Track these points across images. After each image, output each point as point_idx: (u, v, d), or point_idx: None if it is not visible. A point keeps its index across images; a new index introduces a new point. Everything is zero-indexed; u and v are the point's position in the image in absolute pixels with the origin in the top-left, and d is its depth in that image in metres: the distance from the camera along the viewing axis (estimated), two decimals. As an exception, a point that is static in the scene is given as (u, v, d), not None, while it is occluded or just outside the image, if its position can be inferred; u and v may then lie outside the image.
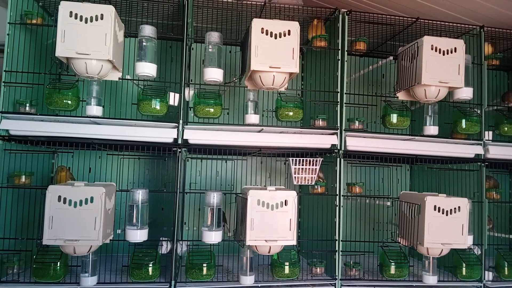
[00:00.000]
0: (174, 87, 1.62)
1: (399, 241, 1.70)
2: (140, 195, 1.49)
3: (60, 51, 1.31)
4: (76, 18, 1.32)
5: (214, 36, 1.56)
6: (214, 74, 1.54)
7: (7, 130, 1.46)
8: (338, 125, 1.67)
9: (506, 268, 1.74)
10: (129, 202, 1.49)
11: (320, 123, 1.71)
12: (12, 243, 1.52)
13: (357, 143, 1.66)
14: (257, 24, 1.44)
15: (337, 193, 1.66)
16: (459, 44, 1.56)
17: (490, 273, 1.72)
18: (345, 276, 1.67)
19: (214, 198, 1.52)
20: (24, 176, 1.54)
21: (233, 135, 1.59)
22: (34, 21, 1.56)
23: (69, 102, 1.50)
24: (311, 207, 1.93)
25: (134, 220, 1.47)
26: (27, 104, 1.51)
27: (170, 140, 1.56)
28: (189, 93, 1.60)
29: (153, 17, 1.79)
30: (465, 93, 1.68)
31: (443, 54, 1.55)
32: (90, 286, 1.43)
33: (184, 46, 1.59)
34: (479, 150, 1.76)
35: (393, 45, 2.02)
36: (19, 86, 1.52)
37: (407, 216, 1.63)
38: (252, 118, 1.62)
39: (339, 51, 1.69)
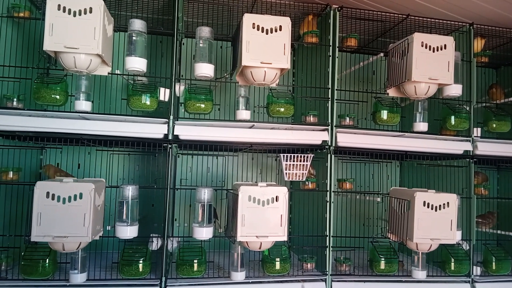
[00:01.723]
0: (164, 82, 1.60)
1: (389, 236, 1.71)
2: (130, 191, 1.48)
3: (48, 45, 1.29)
4: (64, 11, 1.30)
5: (205, 31, 1.55)
6: (205, 70, 1.53)
7: (-6, 125, 1.44)
8: (329, 121, 1.67)
9: (494, 263, 1.77)
10: (119, 198, 1.47)
11: (311, 119, 1.71)
12: (0, 240, 1.49)
13: (347, 139, 1.66)
14: (248, 19, 1.43)
15: (328, 189, 1.66)
16: (449, 41, 1.57)
17: (478, 268, 1.74)
18: (336, 271, 1.68)
19: (205, 194, 1.52)
20: (11, 172, 1.52)
21: (224, 131, 1.58)
22: (21, 14, 1.53)
23: (58, 97, 1.48)
24: (302, 203, 1.94)
25: (124, 217, 1.46)
26: (15, 99, 1.49)
27: (161, 136, 1.55)
28: (179, 88, 1.59)
29: (143, 11, 1.77)
30: (455, 90, 1.70)
31: (433, 51, 1.56)
32: (79, 283, 1.42)
33: (175, 41, 1.58)
34: (467, 146, 1.78)
35: (383, 42, 2.03)
36: (6, 80, 1.49)
37: (397, 212, 1.64)
38: (243, 114, 1.61)
39: (330, 47, 1.69)
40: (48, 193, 1.27)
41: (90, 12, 1.32)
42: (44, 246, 1.41)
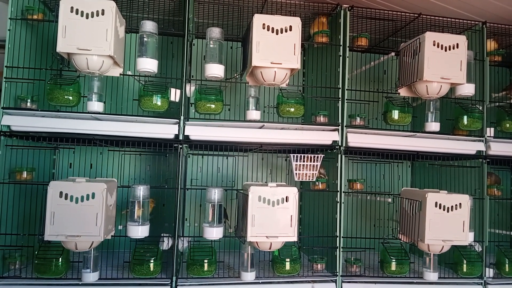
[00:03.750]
0: (175, 83, 1.61)
1: (400, 237, 1.70)
2: (141, 191, 1.49)
3: (61, 47, 1.31)
4: (77, 13, 1.32)
5: (215, 32, 1.56)
6: (215, 70, 1.54)
7: (8, 126, 1.46)
8: (340, 121, 1.66)
9: (507, 265, 1.74)
10: (131, 198, 1.49)
11: (321, 119, 1.71)
12: (14, 238, 1.52)
13: (358, 139, 1.65)
14: (258, 19, 1.44)
15: (338, 189, 1.65)
16: (461, 40, 1.55)
17: (491, 270, 1.72)
18: (346, 272, 1.67)
19: (215, 194, 1.53)
20: (25, 171, 1.54)
21: (234, 131, 1.59)
22: (35, 17, 1.55)
23: (70, 98, 1.50)
24: (312, 204, 1.93)
25: (136, 216, 1.47)
26: (29, 100, 1.51)
27: (171, 136, 1.56)
28: (190, 89, 1.60)
29: (154, 13, 1.79)
30: (467, 89, 1.68)
31: (445, 50, 1.54)
32: (91, 282, 1.43)
33: (185, 41, 1.59)
34: (480, 146, 1.76)
35: (395, 41, 2.01)
36: (20, 81, 1.52)
37: (408, 213, 1.63)
38: (253, 114, 1.62)
39: (341, 47, 1.68)
40: (61, 192, 1.29)
41: (102, 14, 1.33)
42: (57, 245, 1.43)
